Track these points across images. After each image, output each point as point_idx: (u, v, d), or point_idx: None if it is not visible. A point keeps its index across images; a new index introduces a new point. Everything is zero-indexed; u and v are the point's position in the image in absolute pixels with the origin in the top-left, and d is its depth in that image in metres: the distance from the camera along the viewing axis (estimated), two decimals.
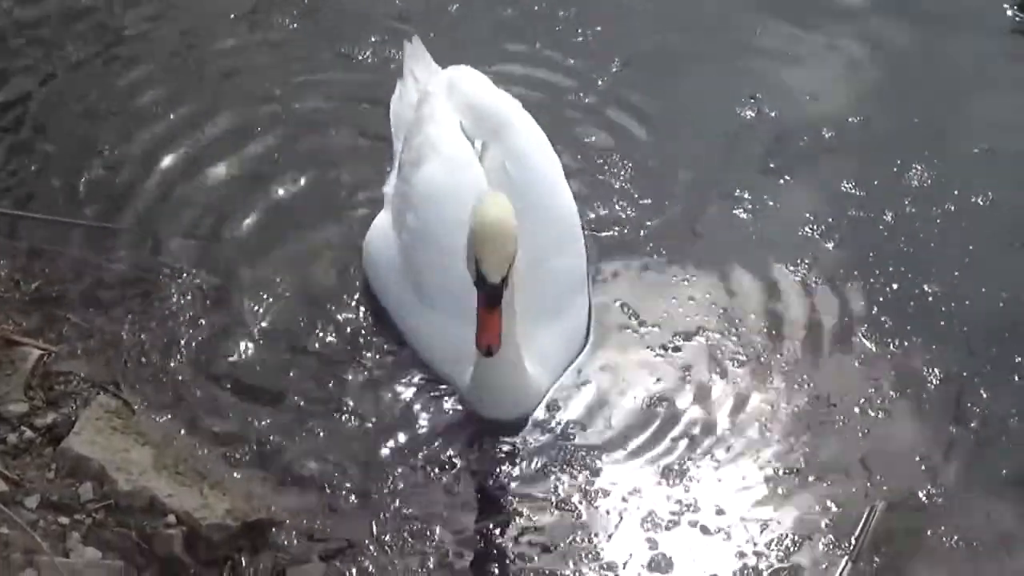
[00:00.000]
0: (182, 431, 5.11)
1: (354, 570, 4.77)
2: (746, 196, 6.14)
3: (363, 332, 5.57)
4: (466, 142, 5.52)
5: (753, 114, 6.57)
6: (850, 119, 6.56)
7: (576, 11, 7.06)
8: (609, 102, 6.59)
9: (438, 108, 5.61)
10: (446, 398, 5.33)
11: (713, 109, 6.55)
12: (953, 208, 6.15)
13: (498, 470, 5.13)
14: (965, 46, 6.96)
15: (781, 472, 5.16)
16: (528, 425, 5.29)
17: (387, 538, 4.87)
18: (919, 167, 6.29)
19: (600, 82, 6.66)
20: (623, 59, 6.73)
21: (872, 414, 5.35)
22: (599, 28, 6.99)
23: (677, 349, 5.56)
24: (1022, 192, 6.24)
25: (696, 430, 5.29)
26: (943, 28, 7.03)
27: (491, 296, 4.68)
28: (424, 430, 5.24)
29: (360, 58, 6.81)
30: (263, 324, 5.58)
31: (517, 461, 5.17)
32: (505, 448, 5.22)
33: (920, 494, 5.07)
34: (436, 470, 5.10)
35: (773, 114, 6.58)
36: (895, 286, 5.80)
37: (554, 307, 5.35)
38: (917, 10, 7.14)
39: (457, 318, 5.12)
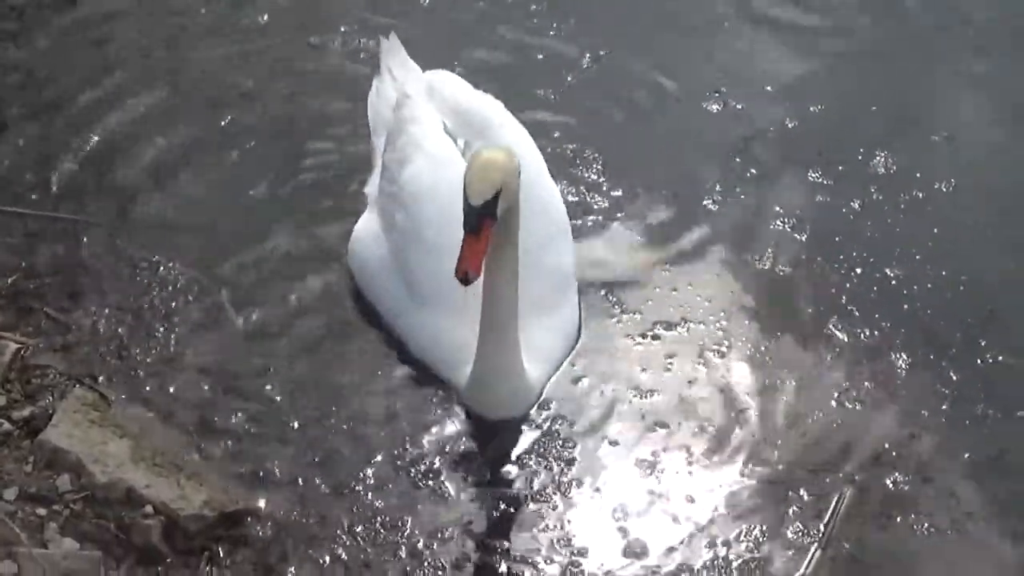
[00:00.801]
0: (159, 424, 5.11)
1: (327, 558, 4.78)
2: (716, 188, 6.21)
3: (346, 327, 5.59)
4: (450, 141, 5.57)
5: (720, 107, 6.64)
6: (811, 108, 6.63)
7: (548, 4, 7.11)
8: (580, 97, 6.63)
9: (419, 110, 5.65)
10: (429, 394, 5.33)
11: (681, 103, 6.60)
12: (920, 195, 6.23)
13: (472, 463, 5.14)
14: (923, 37, 7.06)
15: (751, 461, 5.19)
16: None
17: (359, 529, 4.89)
18: (882, 155, 6.38)
19: (570, 77, 6.71)
20: (593, 54, 6.78)
21: (840, 402, 5.40)
22: (572, 21, 7.04)
23: (656, 337, 5.59)
24: (982, 179, 6.32)
25: (669, 419, 5.31)
26: (902, 20, 7.13)
27: (469, 219, 4.65)
28: (401, 425, 5.26)
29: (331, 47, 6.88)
30: (240, 318, 5.59)
31: (492, 452, 5.18)
32: (481, 440, 5.22)
33: (887, 481, 5.11)
34: (409, 464, 5.12)
35: (739, 107, 6.65)
36: (860, 271, 5.88)
37: (547, 302, 5.40)
38: (877, 4, 7.23)
39: (452, 317, 5.19)
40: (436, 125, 5.62)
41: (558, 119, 6.46)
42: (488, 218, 4.66)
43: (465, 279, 4.65)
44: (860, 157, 6.38)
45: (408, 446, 5.18)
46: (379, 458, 5.13)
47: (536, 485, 5.08)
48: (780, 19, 7.09)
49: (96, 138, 6.37)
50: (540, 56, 6.85)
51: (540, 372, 5.34)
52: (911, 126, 6.55)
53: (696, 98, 6.66)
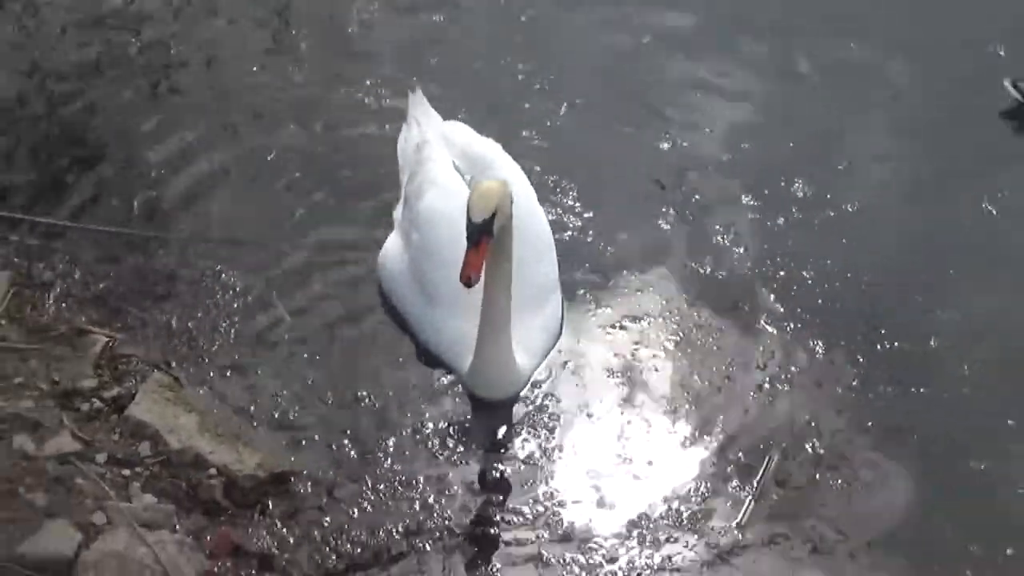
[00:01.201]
0: (220, 401, 5.16)
1: (355, 511, 4.83)
2: (670, 212, 6.21)
3: (373, 325, 5.64)
4: (458, 176, 5.66)
5: (668, 146, 6.64)
6: (742, 146, 6.65)
7: (533, 65, 7.13)
8: (559, 138, 6.64)
9: (435, 152, 5.75)
10: (441, 380, 5.38)
11: (638, 145, 6.63)
12: (832, 213, 6.26)
13: (473, 434, 5.20)
14: (821, 90, 7.09)
15: (698, 431, 5.25)
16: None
17: (381, 487, 4.95)
18: (800, 181, 6.39)
19: (548, 122, 6.74)
20: (570, 103, 6.84)
21: (770, 382, 5.44)
22: (552, 77, 7.06)
23: (624, 328, 5.66)
24: (878, 201, 6.35)
25: (634, 397, 5.38)
26: (800, 80, 7.16)
27: (471, 234, 4.79)
28: (415, 403, 5.29)
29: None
30: (288, 316, 5.63)
31: (490, 425, 5.24)
32: (481, 415, 5.27)
33: (807, 446, 5.17)
34: (421, 434, 5.16)
35: (684, 144, 6.64)
36: (784, 274, 5.92)
37: (535, 304, 5.43)
38: (796, 55, 7.27)
39: (457, 316, 5.28)
40: (447, 165, 5.71)
41: (542, 155, 6.44)
42: (486, 234, 4.79)
43: (468, 283, 4.78)
44: (783, 184, 6.39)
45: (421, 420, 5.22)
46: (397, 429, 5.18)
47: (525, 451, 5.14)
48: (715, 80, 7.10)
49: (165, 169, 6.37)
50: (527, 105, 6.86)
51: (528, 362, 5.38)
52: (821, 158, 6.57)
53: (650, 139, 6.67)
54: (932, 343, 5.63)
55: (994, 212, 6.26)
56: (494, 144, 5.91)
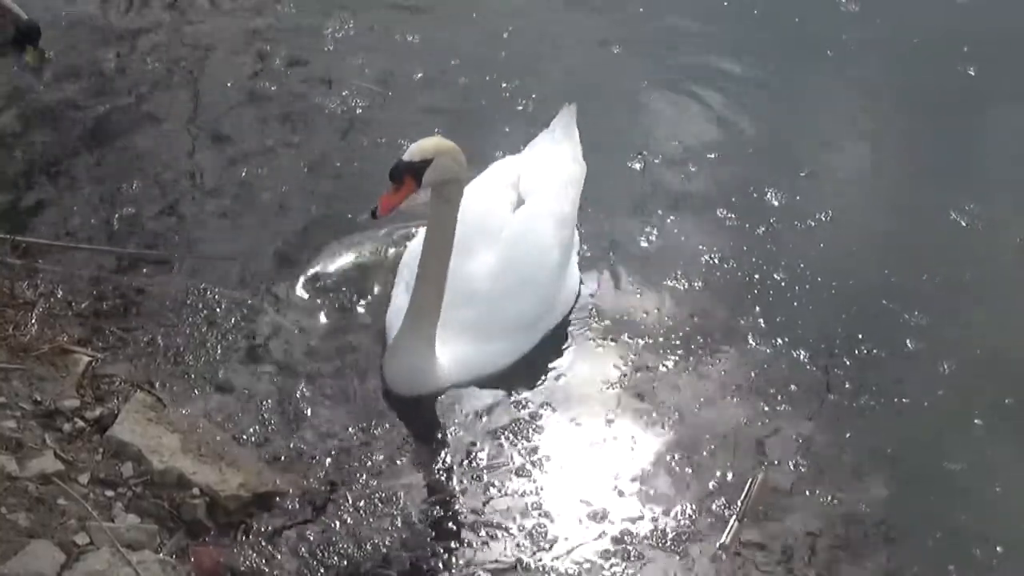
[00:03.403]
0: (203, 421, 5.10)
1: (338, 528, 4.80)
2: (647, 229, 6.25)
3: (361, 342, 5.61)
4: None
5: (641, 166, 6.69)
6: (711, 160, 6.78)
7: (520, 84, 7.21)
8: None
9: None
10: (420, 407, 5.34)
11: (614, 163, 6.68)
12: (812, 223, 6.37)
13: (455, 447, 5.17)
14: (797, 95, 7.32)
15: (683, 449, 5.23)
16: (487, 406, 5.32)
17: (362, 503, 4.91)
18: (771, 191, 6.51)
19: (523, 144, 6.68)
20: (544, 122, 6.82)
21: (753, 399, 5.45)
22: (534, 95, 7.13)
23: (615, 341, 5.67)
24: (852, 208, 6.50)
25: (618, 412, 5.37)
26: (777, 86, 7.38)
27: (394, 170, 4.79)
28: (401, 421, 5.25)
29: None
30: (271, 337, 5.59)
31: (474, 440, 5.20)
32: (461, 430, 5.23)
33: (790, 463, 5.18)
34: (407, 451, 5.14)
35: (656, 161, 6.72)
36: (761, 286, 5.98)
37: (498, 333, 5.39)
38: (761, 73, 7.46)
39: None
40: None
41: None
42: (410, 177, 4.78)
43: (374, 214, 4.85)
44: (755, 196, 6.50)
45: (403, 436, 5.20)
46: (379, 447, 5.14)
47: (510, 465, 5.10)
48: (686, 98, 7.23)
49: (149, 186, 6.37)
50: (506, 128, 6.88)
51: (451, 372, 5.29)
52: (791, 170, 6.70)
53: (624, 158, 6.73)
54: (907, 348, 5.73)
55: (962, 223, 6.40)
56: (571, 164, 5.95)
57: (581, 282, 5.89)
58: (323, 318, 5.72)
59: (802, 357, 5.63)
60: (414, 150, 4.80)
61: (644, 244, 6.21)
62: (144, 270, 5.88)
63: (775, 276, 6.03)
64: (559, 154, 6.03)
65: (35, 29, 7.15)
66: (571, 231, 5.80)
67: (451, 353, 5.30)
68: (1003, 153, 6.95)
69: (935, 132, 7.08)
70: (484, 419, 5.31)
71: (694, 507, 5.01)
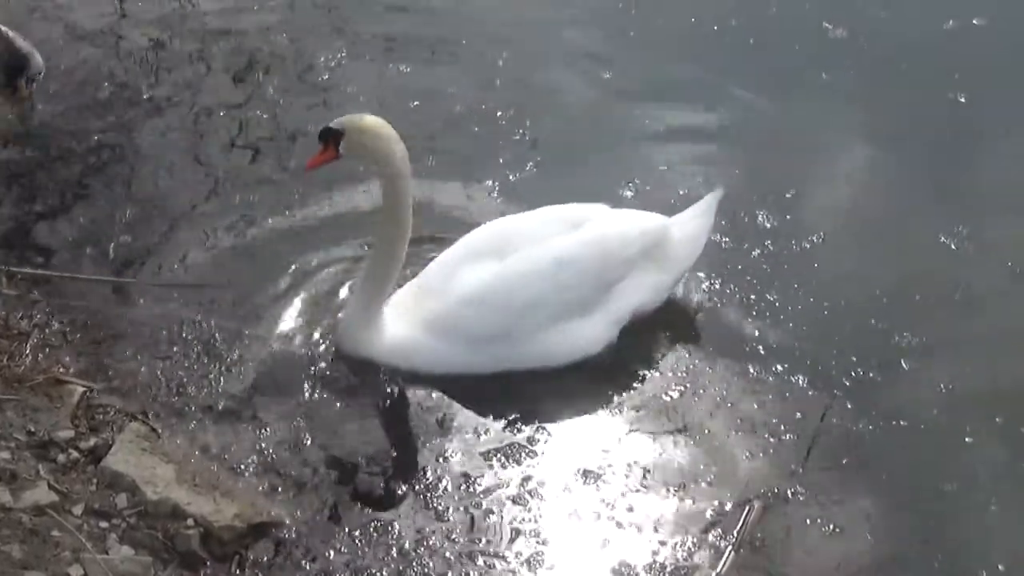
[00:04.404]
0: (198, 451, 5.09)
1: (333, 559, 4.77)
2: None
3: (347, 378, 5.56)
4: None
5: (632, 194, 6.69)
6: (697, 178, 6.82)
7: (509, 121, 7.22)
8: (528, 189, 6.67)
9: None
10: (417, 427, 5.35)
11: (606, 190, 6.61)
12: (807, 246, 6.39)
13: (452, 480, 5.12)
14: (788, 121, 7.37)
15: (678, 480, 5.19)
16: (483, 431, 5.31)
17: (357, 533, 4.87)
18: (762, 214, 6.54)
19: (516, 175, 6.82)
20: (539, 152, 6.92)
21: (750, 426, 5.42)
22: (528, 123, 7.17)
23: (605, 370, 5.61)
24: (839, 234, 6.51)
25: (614, 440, 5.35)
26: (767, 110, 7.44)
27: (320, 133, 5.21)
28: (395, 452, 5.25)
29: None
30: (263, 367, 5.56)
31: (468, 470, 5.16)
32: (459, 464, 5.18)
33: (788, 492, 5.14)
34: (399, 482, 5.09)
35: (647, 188, 6.73)
36: (759, 309, 5.97)
37: (450, 337, 5.43)
38: (751, 98, 7.53)
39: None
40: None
41: (513, 200, 6.53)
42: (332, 143, 5.16)
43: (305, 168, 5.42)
44: (747, 219, 6.52)
45: (397, 467, 5.18)
46: (374, 475, 5.12)
47: (504, 494, 5.06)
48: (674, 133, 7.28)
49: (143, 215, 6.38)
50: (502, 159, 6.91)
51: (401, 343, 5.43)
52: (784, 194, 6.72)
53: (616, 186, 6.73)
54: (901, 369, 5.73)
55: (952, 245, 6.43)
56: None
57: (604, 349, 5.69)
58: (319, 346, 5.69)
59: (801, 382, 5.61)
60: (341, 119, 5.16)
61: None
62: (140, 301, 5.87)
63: (772, 296, 6.05)
64: (678, 222, 5.82)
65: (23, 65, 7.06)
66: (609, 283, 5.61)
67: (403, 334, 5.43)
68: (993, 177, 6.98)
69: (925, 156, 7.12)
70: (480, 445, 5.28)
71: (690, 536, 4.97)
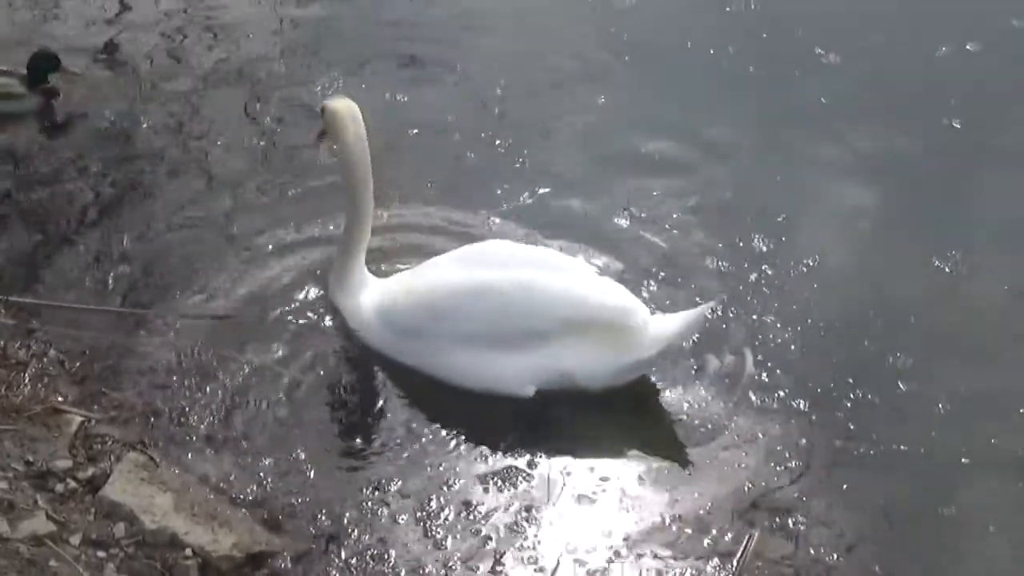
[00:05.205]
0: (196, 481, 5.07)
1: None
2: (644, 281, 6.23)
3: (348, 412, 5.59)
4: None
5: (627, 223, 6.73)
6: (689, 202, 6.87)
7: (507, 151, 7.26)
8: (528, 217, 6.71)
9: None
10: (418, 454, 5.34)
11: (602, 218, 6.73)
12: (804, 269, 6.41)
13: (449, 509, 5.09)
14: (782, 145, 7.40)
15: (675, 507, 5.16)
16: (480, 458, 5.29)
17: (353, 561, 4.86)
18: (758, 236, 6.58)
19: (512, 203, 6.85)
20: (537, 180, 6.95)
21: (749, 454, 5.39)
22: (525, 151, 7.21)
23: (603, 396, 5.58)
24: (834, 257, 6.52)
25: (612, 468, 5.32)
26: (761, 137, 7.48)
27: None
28: (393, 480, 5.21)
29: None
30: (263, 398, 5.54)
31: (465, 499, 5.13)
32: (456, 492, 5.16)
33: (789, 520, 5.11)
34: (395, 511, 5.07)
35: (643, 215, 6.77)
36: (759, 331, 5.98)
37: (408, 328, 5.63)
38: (744, 125, 7.55)
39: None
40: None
41: (512, 228, 6.59)
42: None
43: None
44: (741, 243, 6.54)
45: (395, 495, 5.15)
46: (371, 504, 5.10)
47: (501, 521, 5.03)
48: (669, 159, 7.30)
49: (141, 245, 6.39)
50: (501, 189, 6.94)
51: (363, 308, 5.81)
52: (773, 218, 6.75)
53: (611, 213, 6.78)
54: (899, 391, 5.73)
55: (946, 269, 6.44)
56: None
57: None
58: (318, 375, 5.70)
59: (801, 406, 5.60)
60: (326, 100, 5.84)
61: (643, 292, 6.13)
62: (139, 330, 5.87)
63: (769, 318, 6.07)
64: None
65: (47, 55, 7.31)
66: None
67: (365, 303, 5.80)
68: (987, 202, 6.99)
69: (920, 181, 7.15)
70: (479, 470, 5.27)
71: (689, 564, 4.94)
